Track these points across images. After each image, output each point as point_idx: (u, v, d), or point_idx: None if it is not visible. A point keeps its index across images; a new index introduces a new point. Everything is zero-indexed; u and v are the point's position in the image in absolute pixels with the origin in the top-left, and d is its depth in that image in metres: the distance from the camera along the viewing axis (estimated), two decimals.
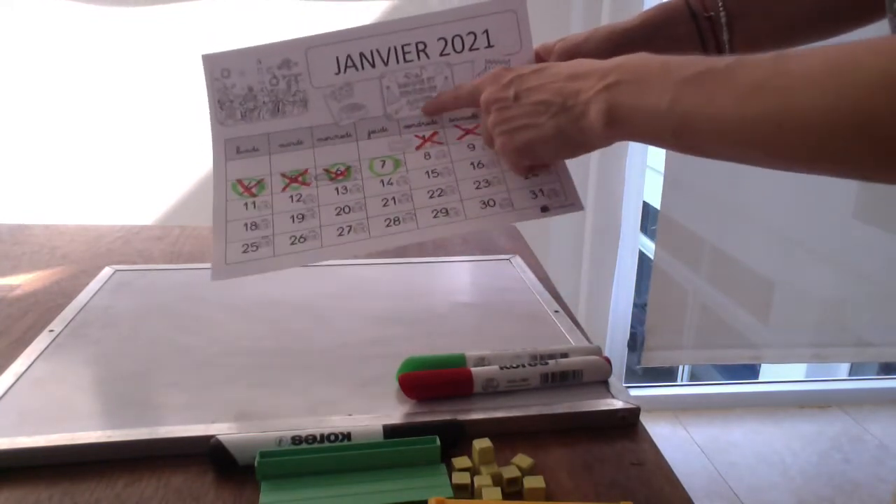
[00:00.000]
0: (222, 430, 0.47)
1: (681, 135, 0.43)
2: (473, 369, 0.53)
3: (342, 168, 0.61)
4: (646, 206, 1.88)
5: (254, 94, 0.62)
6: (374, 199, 0.60)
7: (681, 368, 2.46)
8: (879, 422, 1.99)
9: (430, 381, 0.51)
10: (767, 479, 1.75)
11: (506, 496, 0.42)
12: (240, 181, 0.60)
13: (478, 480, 0.42)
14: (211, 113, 0.63)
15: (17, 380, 0.53)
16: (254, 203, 0.59)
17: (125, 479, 0.44)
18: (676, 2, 0.61)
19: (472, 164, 0.61)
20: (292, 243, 0.58)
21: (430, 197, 0.59)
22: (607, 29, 0.61)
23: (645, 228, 1.92)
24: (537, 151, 0.54)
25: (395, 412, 0.50)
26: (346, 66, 0.62)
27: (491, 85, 0.56)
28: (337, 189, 0.60)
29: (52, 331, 0.61)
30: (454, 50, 0.62)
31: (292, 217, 0.59)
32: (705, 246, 1.87)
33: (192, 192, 1.63)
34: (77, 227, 0.93)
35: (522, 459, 0.45)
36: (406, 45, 0.62)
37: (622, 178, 1.72)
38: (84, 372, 0.55)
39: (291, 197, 0.60)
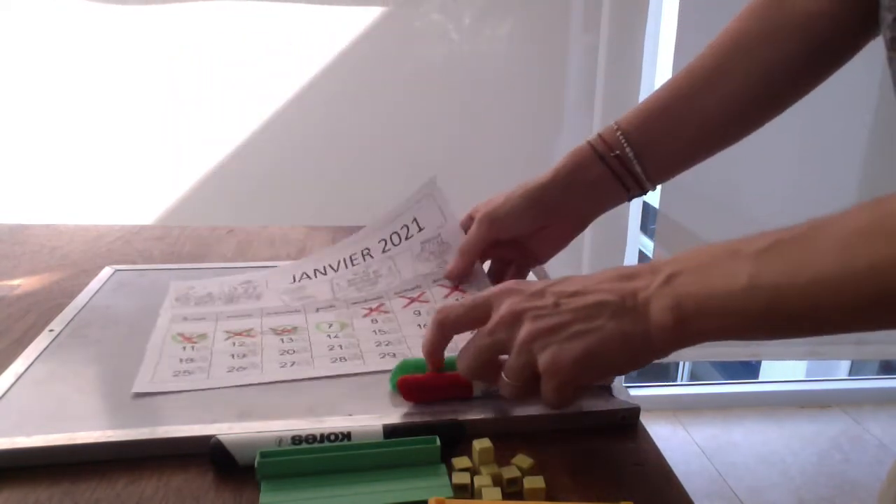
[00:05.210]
0: (222, 430, 0.47)
1: (773, 312, 0.38)
2: None
3: (289, 328, 0.61)
4: (646, 205, 1.88)
5: (212, 297, 0.67)
6: (320, 346, 0.59)
7: (681, 368, 2.46)
8: (879, 422, 1.99)
9: (430, 384, 0.51)
10: (767, 479, 1.75)
11: (506, 496, 0.42)
12: (181, 334, 0.60)
13: (478, 480, 0.43)
14: (166, 302, 0.66)
15: (17, 380, 0.53)
16: (192, 347, 0.58)
17: (125, 479, 0.44)
18: (583, 147, 0.61)
19: (419, 325, 0.62)
20: (229, 372, 0.55)
21: (378, 345, 0.59)
22: (522, 187, 0.62)
23: (645, 228, 1.92)
24: (599, 361, 0.43)
25: (395, 412, 0.50)
26: (301, 278, 0.69)
27: (508, 297, 0.46)
28: (282, 339, 0.60)
29: (52, 331, 0.61)
30: (393, 245, 0.69)
31: (232, 355, 0.57)
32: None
33: (192, 192, 1.63)
34: (77, 227, 0.93)
35: (522, 459, 0.45)
36: (353, 254, 0.70)
37: None
38: (84, 372, 0.55)
39: (234, 342, 0.59)
